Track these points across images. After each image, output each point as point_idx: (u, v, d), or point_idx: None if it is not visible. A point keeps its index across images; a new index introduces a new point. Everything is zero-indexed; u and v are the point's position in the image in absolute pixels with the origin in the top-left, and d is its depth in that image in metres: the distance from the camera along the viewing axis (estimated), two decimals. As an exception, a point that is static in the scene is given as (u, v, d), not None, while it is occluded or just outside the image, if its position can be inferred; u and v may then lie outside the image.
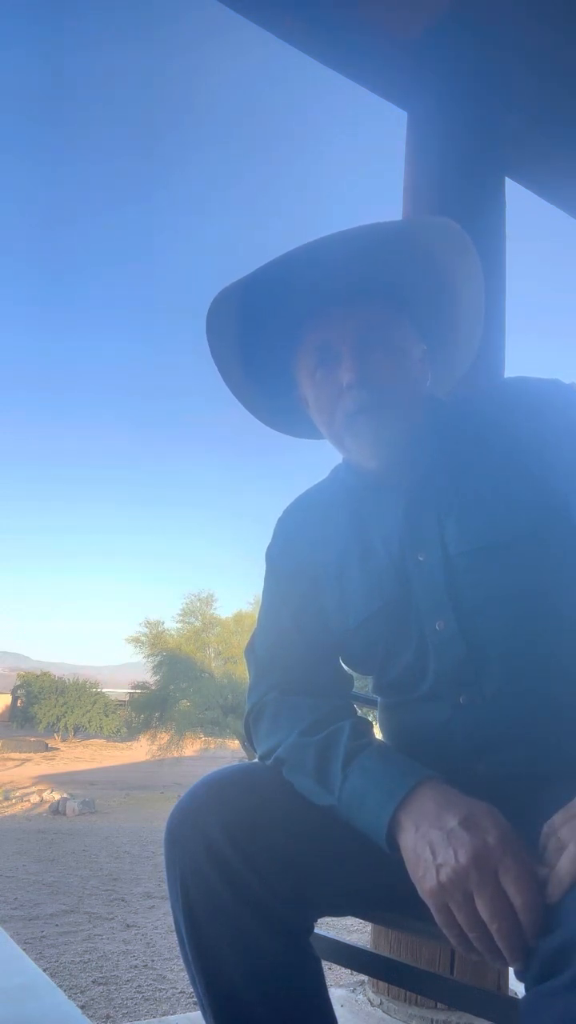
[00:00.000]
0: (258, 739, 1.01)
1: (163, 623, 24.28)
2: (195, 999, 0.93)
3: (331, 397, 1.01)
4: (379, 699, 1.12)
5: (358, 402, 0.97)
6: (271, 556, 1.15)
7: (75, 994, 2.44)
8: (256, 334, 1.08)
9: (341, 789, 0.85)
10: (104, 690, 45.66)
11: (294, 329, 1.05)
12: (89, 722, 41.49)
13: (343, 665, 1.10)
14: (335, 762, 0.86)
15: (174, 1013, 2.24)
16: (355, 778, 0.84)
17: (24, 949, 2.36)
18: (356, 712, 1.03)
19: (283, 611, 1.09)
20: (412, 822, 0.76)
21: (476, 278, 1.02)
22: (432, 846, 0.73)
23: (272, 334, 1.07)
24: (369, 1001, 1.91)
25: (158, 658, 23.26)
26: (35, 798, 17.06)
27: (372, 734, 0.92)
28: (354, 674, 1.12)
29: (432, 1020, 1.75)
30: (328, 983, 0.91)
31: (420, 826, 0.75)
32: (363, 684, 1.23)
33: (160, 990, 2.52)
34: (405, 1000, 1.84)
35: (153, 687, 24.01)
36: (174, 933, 0.90)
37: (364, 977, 2.00)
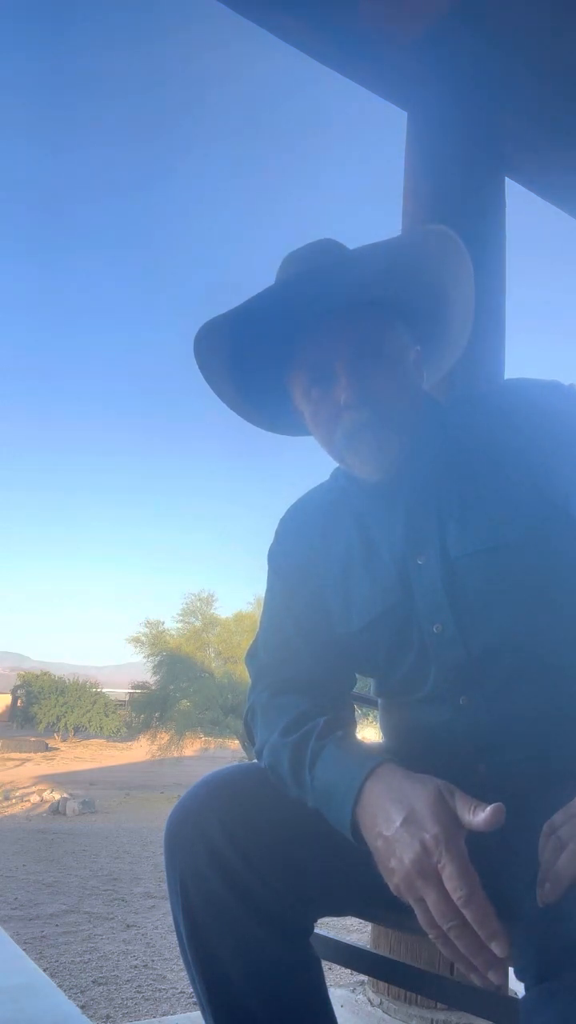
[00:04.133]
0: (254, 739, 1.02)
1: (163, 623, 24.30)
2: (195, 999, 0.93)
3: (329, 417, 0.99)
4: (380, 700, 1.12)
5: (357, 421, 0.96)
6: (273, 557, 1.14)
7: (75, 994, 2.44)
8: (246, 353, 1.06)
9: (312, 792, 0.86)
10: (104, 690, 45.64)
11: (285, 346, 1.03)
12: (89, 722, 41.49)
13: (345, 667, 1.10)
14: (305, 767, 0.87)
15: (174, 1013, 2.24)
16: (319, 781, 0.85)
17: (24, 949, 2.36)
18: (346, 708, 1.03)
19: (284, 612, 1.09)
20: (368, 817, 0.78)
21: (467, 275, 1.01)
22: (386, 847, 0.75)
23: (263, 352, 1.05)
24: (369, 1001, 1.91)
25: (158, 658, 23.25)
26: (35, 798, 17.05)
27: (343, 727, 0.92)
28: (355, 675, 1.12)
29: (432, 1020, 1.75)
30: (328, 983, 0.91)
31: (375, 823, 0.77)
32: (363, 685, 1.23)
33: (160, 990, 2.52)
34: (405, 1000, 1.84)
35: (153, 687, 24.00)
36: (174, 933, 0.90)
37: (364, 977, 2.00)
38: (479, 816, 0.70)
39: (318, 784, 0.85)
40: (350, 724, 0.95)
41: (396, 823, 0.74)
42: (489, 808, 0.70)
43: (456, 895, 0.68)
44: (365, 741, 0.95)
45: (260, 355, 1.06)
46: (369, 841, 0.78)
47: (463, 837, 0.72)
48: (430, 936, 0.71)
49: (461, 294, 1.03)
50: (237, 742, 22.68)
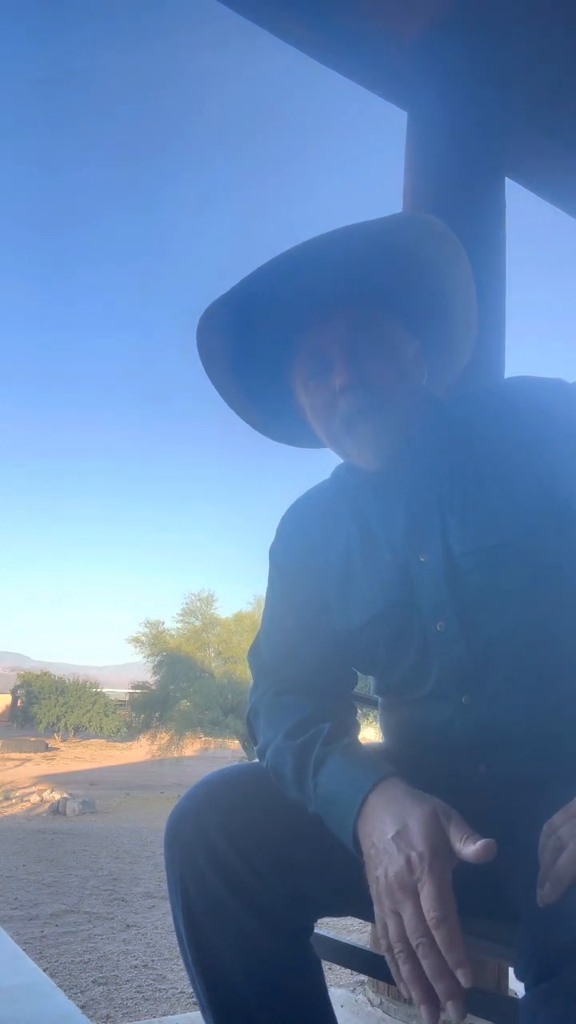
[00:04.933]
0: (256, 738, 1.02)
1: (163, 623, 24.32)
2: (195, 999, 0.93)
3: (326, 403, 1.00)
4: (380, 699, 1.12)
5: (353, 405, 0.97)
6: (274, 555, 1.14)
7: (75, 994, 2.44)
8: (249, 349, 1.06)
9: (315, 798, 0.86)
10: (104, 690, 45.64)
11: (287, 340, 1.04)
12: (89, 722, 41.50)
13: (347, 665, 1.10)
14: (309, 772, 0.87)
15: (174, 1013, 2.24)
16: (323, 788, 0.85)
17: (24, 949, 2.36)
18: (348, 709, 1.03)
19: (286, 611, 1.09)
20: (366, 831, 0.78)
21: (465, 272, 1.01)
22: (375, 857, 0.75)
23: (265, 347, 1.06)
24: (369, 1001, 1.91)
25: (158, 658, 23.26)
26: (35, 798, 17.06)
27: (348, 734, 0.92)
28: (357, 673, 1.12)
29: (432, 1020, 1.75)
30: (328, 983, 0.91)
31: (371, 835, 0.77)
32: (364, 685, 1.23)
33: (160, 990, 2.52)
34: (405, 1000, 1.83)
35: (153, 687, 24.00)
36: (174, 933, 0.90)
37: (364, 977, 2.00)
38: (469, 847, 0.71)
39: (321, 791, 0.85)
40: (354, 728, 0.95)
41: (388, 835, 0.75)
42: (480, 842, 0.70)
43: (430, 915, 0.68)
44: (368, 743, 0.95)
45: (263, 353, 1.07)
46: (364, 850, 0.78)
47: (450, 863, 0.72)
48: (395, 951, 0.71)
49: (462, 296, 1.04)
50: (237, 742, 22.69)
